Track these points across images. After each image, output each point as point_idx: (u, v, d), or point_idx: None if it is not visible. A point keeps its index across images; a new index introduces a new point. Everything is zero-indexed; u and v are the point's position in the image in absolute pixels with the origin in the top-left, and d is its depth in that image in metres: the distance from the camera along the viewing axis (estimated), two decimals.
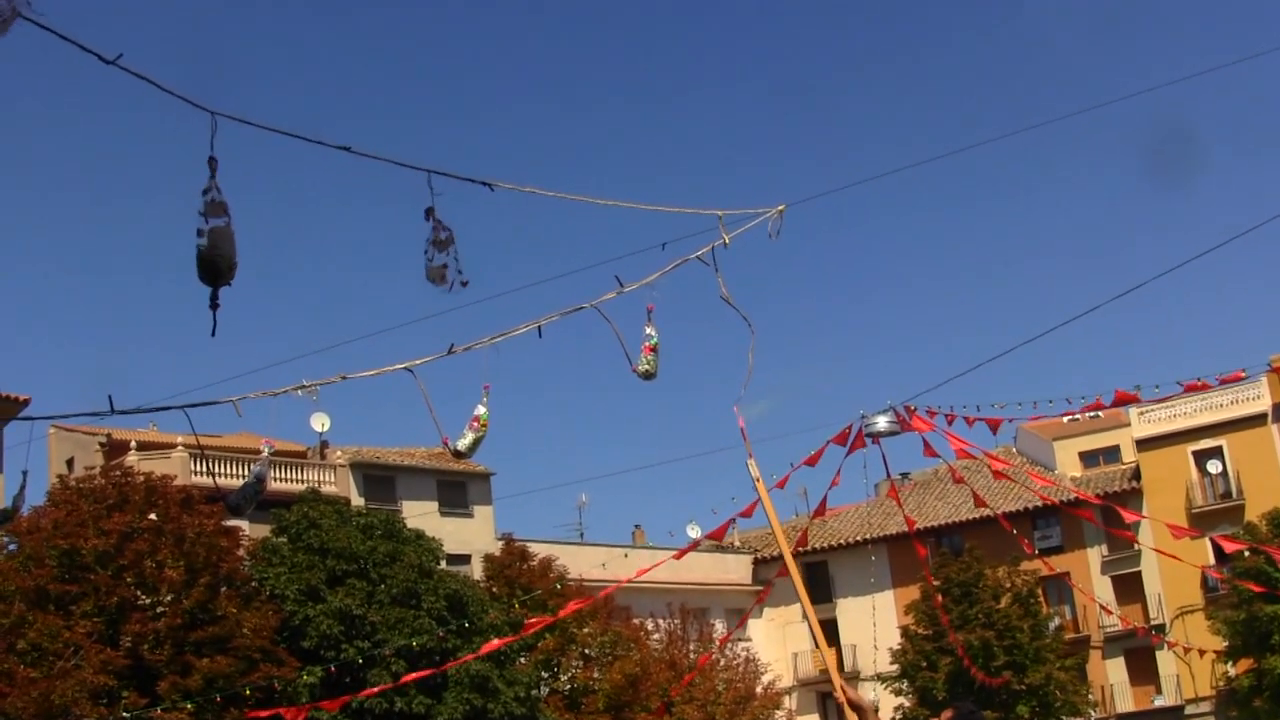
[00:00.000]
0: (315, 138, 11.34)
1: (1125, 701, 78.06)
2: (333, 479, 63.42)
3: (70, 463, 59.80)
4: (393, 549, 50.94)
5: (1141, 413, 77.50)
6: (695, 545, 30.57)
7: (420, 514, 61.96)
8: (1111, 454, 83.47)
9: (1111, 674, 78.37)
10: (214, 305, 10.49)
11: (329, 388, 13.59)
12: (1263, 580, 58.89)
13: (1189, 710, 76.30)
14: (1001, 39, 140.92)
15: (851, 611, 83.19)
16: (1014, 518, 71.07)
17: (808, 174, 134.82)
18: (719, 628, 71.83)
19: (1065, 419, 28.63)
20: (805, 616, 79.57)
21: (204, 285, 10.39)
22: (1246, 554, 60.22)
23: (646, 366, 16.77)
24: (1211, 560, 70.33)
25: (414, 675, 31.30)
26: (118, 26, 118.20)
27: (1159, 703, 77.41)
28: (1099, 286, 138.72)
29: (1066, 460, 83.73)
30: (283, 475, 60.47)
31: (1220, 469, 77.38)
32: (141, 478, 46.52)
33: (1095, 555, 79.42)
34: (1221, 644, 65.28)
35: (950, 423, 25.40)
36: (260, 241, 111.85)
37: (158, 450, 58.61)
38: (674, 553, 25.56)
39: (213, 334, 10.55)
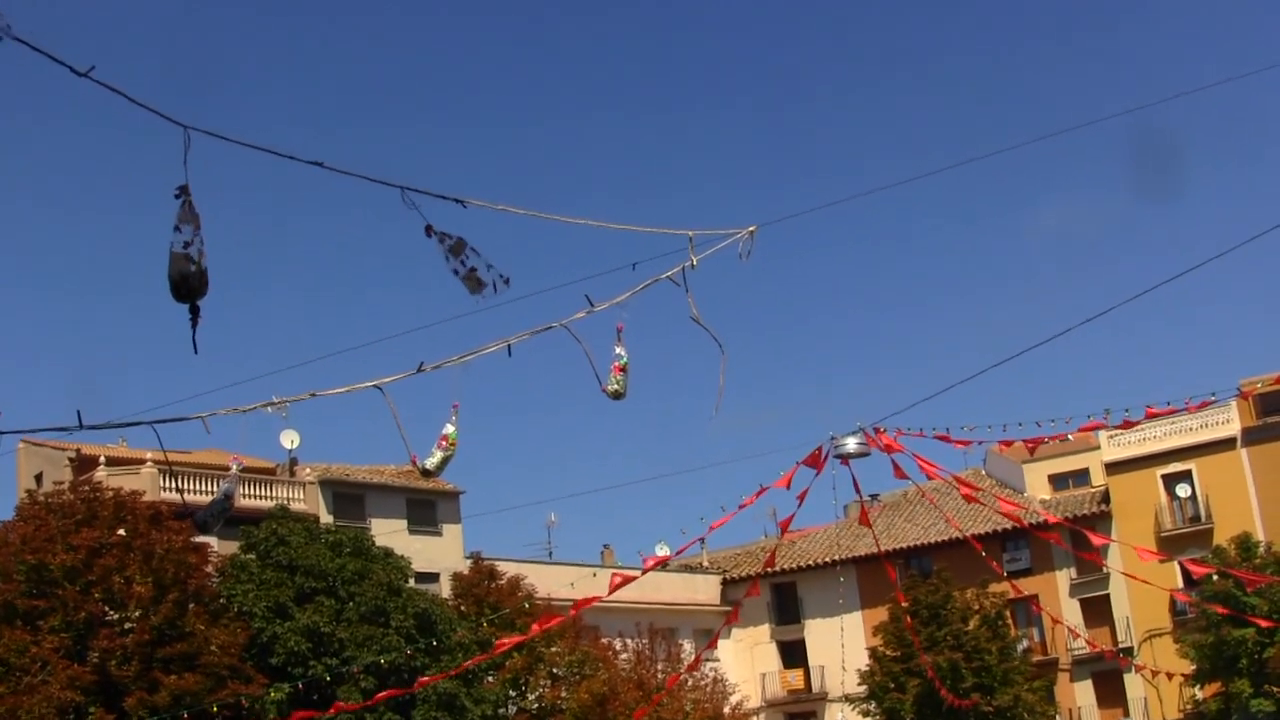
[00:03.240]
0: (288, 153, 11.39)
1: None
2: (302, 496, 63.25)
3: (39, 478, 59.56)
4: (361, 567, 50.89)
5: (1111, 436, 77.54)
6: (664, 561, 30.65)
7: (389, 532, 61.82)
8: (1081, 477, 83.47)
9: (1080, 696, 78.42)
10: (193, 322, 10.50)
11: (299, 405, 13.62)
12: (1231, 604, 59.02)
13: None
14: (975, 61, 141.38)
15: (820, 632, 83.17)
16: (983, 540, 71.05)
17: (779, 195, 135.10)
18: (687, 648, 71.74)
19: (1031, 449, 28.58)
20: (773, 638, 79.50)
21: (179, 302, 10.43)
22: (1215, 578, 60.36)
23: (616, 386, 16.84)
24: (1180, 584, 70.44)
25: (384, 694, 31.21)
26: (91, 41, 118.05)
27: None
28: (1069, 310, 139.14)
29: (1036, 483, 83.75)
30: (252, 492, 60.27)
31: (1189, 493, 77.40)
32: (110, 493, 46.41)
33: (1064, 578, 79.46)
34: (1189, 667, 65.38)
35: (915, 441, 25.48)
36: (231, 258, 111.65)
37: (127, 466, 58.39)
38: (648, 571, 25.54)
39: (195, 351, 10.57)
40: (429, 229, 12.21)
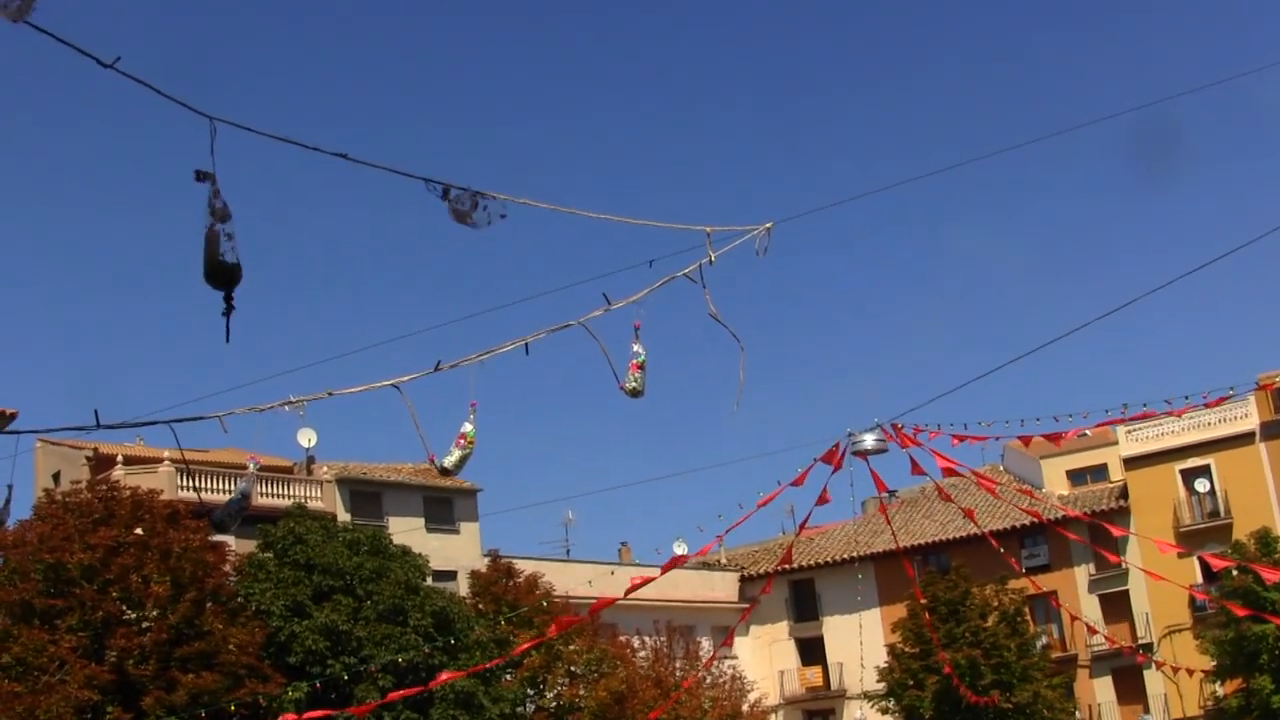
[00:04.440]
0: (313, 145, 11.32)
1: None
2: (319, 494, 63.27)
3: (57, 477, 59.58)
4: (379, 565, 50.86)
5: (1129, 431, 77.39)
6: (682, 561, 30.56)
7: (407, 530, 61.83)
8: (1099, 472, 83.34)
9: (1099, 693, 78.24)
10: (226, 311, 10.47)
11: (316, 403, 13.57)
12: (1251, 599, 58.76)
13: None
14: (988, 58, 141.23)
15: (838, 629, 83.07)
16: (1001, 536, 70.87)
17: (796, 191, 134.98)
18: (705, 645, 71.68)
19: (1057, 443, 28.56)
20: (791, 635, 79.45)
21: (215, 289, 10.40)
22: (1235, 573, 60.12)
23: (634, 384, 16.78)
24: (1199, 579, 70.25)
25: (401, 693, 31.18)
26: (113, 31, 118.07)
27: None
28: (1087, 304, 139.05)
29: (1054, 478, 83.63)
30: (269, 491, 60.29)
31: (1208, 488, 77.17)
32: (128, 492, 46.42)
33: (1083, 574, 79.27)
34: (1210, 663, 65.17)
35: (933, 439, 25.42)
36: (247, 254, 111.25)
37: (144, 465, 58.44)
38: (663, 569, 25.42)
39: (226, 340, 10.54)
40: (446, 191, 12.09)
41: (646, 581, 23.50)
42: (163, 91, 10.00)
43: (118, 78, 9.49)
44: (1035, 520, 67.25)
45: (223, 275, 10.40)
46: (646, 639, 66.18)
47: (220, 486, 56.88)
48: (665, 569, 25.46)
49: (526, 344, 14.73)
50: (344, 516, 61.51)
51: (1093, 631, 68.16)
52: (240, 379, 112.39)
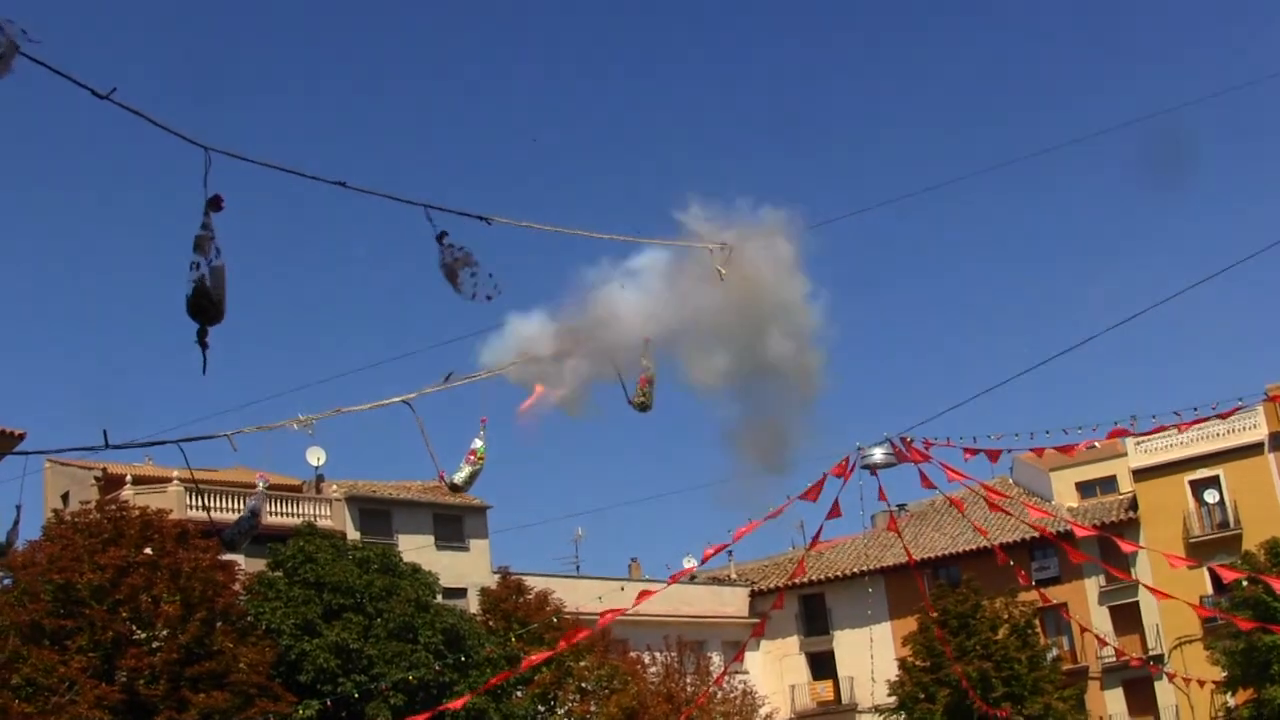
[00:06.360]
0: (311, 174, 11.33)
1: None
2: (328, 513, 63.23)
3: (65, 497, 59.60)
4: (389, 583, 50.85)
5: (1138, 442, 77.26)
6: (691, 573, 30.63)
7: (416, 547, 61.80)
8: (1109, 484, 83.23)
9: (1110, 705, 78.07)
10: (202, 343, 10.43)
11: (324, 421, 13.58)
12: (1261, 610, 58.61)
13: None
14: (998, 66, 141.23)
15: (849, 643, 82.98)
16: (1011, 549, 70.86)
17: (803, 204, 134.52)
18: (716, 660, 71.58)
19: (1069, 454, 28.53)
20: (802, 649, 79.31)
21: (193, 322, 10.36)
22: (1245, 584, 59.97)
23: (642, 399, 16.82)
24: (1209, 589, 70.06)
25: (416, 718, 31.20)
26: (109, 59, 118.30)
27: None
28: (1096, 315, 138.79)
29: (1063, 490, 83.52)
30: (278, 509, 60.26)
31: (1217, 498, 77.13)
32: (137, 512, 46.41)
33: (1093, 585, 79.15)
34: (1221, 674, 64.96)
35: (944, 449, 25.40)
36: (256, 273, 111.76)
37: (153, 484, 58.43)
38: (670, 579, 25.44)
39: (204, 372, 10.51)
40: (441, 236, 12.12)
41: (649, 594, 23.49)
42: (158, 122, 10.01)
43: (119, 94, 9.50)
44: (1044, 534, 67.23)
45: (200, 307, 10.36)
46: (657, 655, 66.12)
47: (229, 505, 56.83)
48: (673, 579, 25.51)
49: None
50: (353, 534, 61.48)
51: (1103, 643, 68.01)
52: (249, 398, 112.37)
